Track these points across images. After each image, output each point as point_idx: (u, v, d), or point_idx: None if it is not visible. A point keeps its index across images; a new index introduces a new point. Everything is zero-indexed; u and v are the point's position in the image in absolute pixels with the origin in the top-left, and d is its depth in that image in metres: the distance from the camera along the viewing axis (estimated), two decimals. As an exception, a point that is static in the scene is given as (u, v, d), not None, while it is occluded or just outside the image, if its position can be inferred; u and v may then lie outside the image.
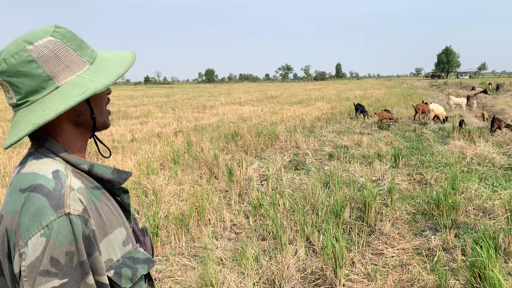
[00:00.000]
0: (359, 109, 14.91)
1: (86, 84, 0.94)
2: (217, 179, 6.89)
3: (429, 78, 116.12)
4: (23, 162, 0.96)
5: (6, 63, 0.90)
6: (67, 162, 0.97)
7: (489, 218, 4.98)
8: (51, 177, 0.89)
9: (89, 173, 1.00)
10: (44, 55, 0.91)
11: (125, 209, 1.11)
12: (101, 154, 1.24)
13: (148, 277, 1.13)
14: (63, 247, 0.83)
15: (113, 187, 1.05)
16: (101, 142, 1.19)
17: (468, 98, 19.30)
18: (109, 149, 1.25)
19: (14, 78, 0.91)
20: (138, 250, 1.08)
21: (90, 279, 0.87)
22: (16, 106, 0.95)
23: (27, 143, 10.50)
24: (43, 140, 0.98)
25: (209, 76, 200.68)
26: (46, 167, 0.92)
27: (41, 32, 0.94)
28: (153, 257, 1.13)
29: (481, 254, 3.42)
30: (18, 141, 0.89)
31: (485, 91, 26.16)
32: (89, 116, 1.03)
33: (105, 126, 1.10)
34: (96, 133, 1.14)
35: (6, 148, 0.93)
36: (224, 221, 5.00)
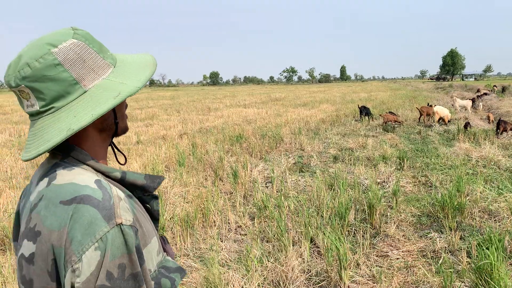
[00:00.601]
0: (364, 111, 14.89)
1: (117, 87, 0.91)
2: (222, 181, 6.91)
3: (434, 80, 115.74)
4: (49, 173, 0.89)
5: (30, 68, 0.85)
6: (97, 170, 0.93)
7: (495, 220, 4.97)
8: (95, 186, 0.85)
9: (121, 180, 0.95)
10: (69, 58, 0.87)
11: (154, 217, 1.06)
12: (117, 161, 1.20)
13: None
14: (116, 260, 0.80)
15: (144, 194, 1.01)
16: (117, 148, 1.15)
17: (473, 100, 19.24)
18: (124, 156, 1.19)
19: (38, 83, 0.86)
20: (167, 259, 1.04)
21: None
22: (37, 114, 0.89)
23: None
24: (69, 149, 0.92)
25: (214, 79, 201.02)
26: (84, 177, 0.87)
27: (62, 34, 0.89)
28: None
29: (488, 255, 3.42)
30: (48, 151, 0.85)
31: (486, 94, 27.05)
32: (112, 121, 1.00)
33: (125, 131, 1.08)
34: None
35: (31, 159, 0.87)
36: (229, 223, 5.02)
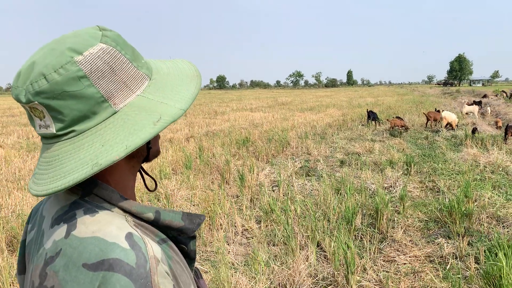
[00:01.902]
0: (371, 116, 14.86)
1: (156, 108, 0.71)
2: (229, 184, 6.92)
3: (441, 85, 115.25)
4: (67, 218, 0.70)
5: (47, 81, 0.65)
6: (125, 211, 0.74)
7: (503, 226, 4.93)
8: (127, 246, 0.65)
9: (155, 222, 0.76)
10: (98, 69, 0.67)
11: (190, 257, 0.86)
12: (147, 187, 1.00)
13: None
14: None
15: (181, 235, 0.81)
16: (146, 173, 0.96)
17: (479, 103, 19.20)
18: (155, 181, 1.00)
19: (56, 101, 0.66)
20: None
21: None
22: (53, 137, 0.70)
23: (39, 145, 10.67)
24: (92, 184, 0.73)
25: (220, 83, 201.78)
26: (112, 229, 0.67)
27: (88, 36, 0.70)
28: None
29: (500, 261, 3.40)
30: (68, 188, 0.66)
31: (485, 96, 29.70)
32: (145, 146, 0.81)
33: (157, 154, 0.88)
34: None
35: (44, 196, 0.68)
36: (235, 226, 5.02)
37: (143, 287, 0.63)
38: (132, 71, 0.73)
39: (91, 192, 0.73)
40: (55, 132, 0.68)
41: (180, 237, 0.82)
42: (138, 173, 0.90)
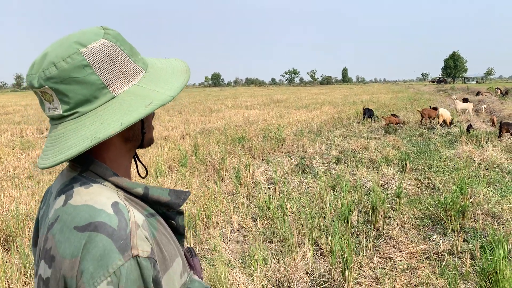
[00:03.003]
0: (367, 113, 14.88)
1: (148, 94, 0.85)
2: (224, 182, 6.91)
3: (435, 83, 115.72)
4: (66, 190, 0.83)
5: (56, 68, 0.78)
6: (117, 186, 0.86)
7: (498, 223, 4.96)
8: (112, 212, 0.77)
9: (144, 197, 0.87)
10: (99, 60, 0.81)
11: (179, 232, 0.99)
12: (139, 174, 1.11)
13: None
14: None
15: (169, 210, 0.93)
16: (139, 160, 1.09)
17: (466, 100, 19.37)
18: (146, 168, 1.13)
19: (63, 85, 0.79)
20: (194, 280, 0.97)
21: None
22: (59, 118, 0.83)
23: (40, 145, 10.59)
24: (89, 162, 0.86)
25: (215, 80, 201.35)
26: (101, 198, 0.79)
27: (92, 33, 0.83)
28: (203, 280, 1.03)
29: (497, 256, 3.41)
30: (68, 160, 0.79)
31: (478, 93, 30.86)
32: (139, 131, 0.93)
33: (151, 142, 1.01)
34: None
35: (48, 168, 0.82)
36: (231, 224, 5.02)
37: (122, 247, 0.74)
38: (129, 64, 0.86)
39: (88, 169, 0.85)
40: (61, 113, 0.82)
41: (169, 212, 0.94)
42: (134, 164, 1.02)
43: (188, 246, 1.09)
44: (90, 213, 0.76)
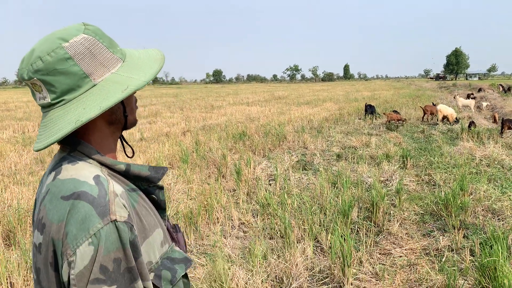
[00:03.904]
0: (369, 109, 14.85)
1: (125, 81, 0.94)
2: (225, 178, 6.93)
3: (433, 79, 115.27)
4: (56, 167, 0.94)
5: (42, 61, 0.88)
6: (102, 164, 0.96)
7: (498, 219, 4.96)
8: (93, 183, 0.88)
9: (126, 173, 0.98)
10: (80, 52, 0.90)
11: (160, 207, 1.10)
12: (126, 154, 1.21)
13: (184, 274, 1.10)
14: (111, 254, 0.83)
15: (149, 185, 1.04)
16: (125, 141, 1.19)
17: (468, 96, 19.28)
18: (132, 149, 1.23)
19: (49, 77, 0.89)
20: (175, 250, 1.07)
21: (139, 285, 0.88)
22: (48, 106, 0.93)
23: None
24: (76, 143, 0.96)
25: (217, 77, 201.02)
26: (84, 173, 0.90)
27: (73, 29, 0.92)
28: (186, 253, 1.12)
29: (493, 253, 3.42)
30: (57, 141, 0.89)
31: (480, 90, 31.17)
32: (121, 114, 1.02)
33: (134, 123, 1.10)
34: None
35: (41, 150, 0.90)
36: (232, 220, 5.03)
37: (102, 213, 0.84)
38: (108, 55, 0.96)
39: (76, 149, 0.96)
40: (50, 101, 0.92)
41: (150, 188, 1.04)
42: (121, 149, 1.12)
43: (175, 223, 1.27)
44: (74, 185, 0.87)
